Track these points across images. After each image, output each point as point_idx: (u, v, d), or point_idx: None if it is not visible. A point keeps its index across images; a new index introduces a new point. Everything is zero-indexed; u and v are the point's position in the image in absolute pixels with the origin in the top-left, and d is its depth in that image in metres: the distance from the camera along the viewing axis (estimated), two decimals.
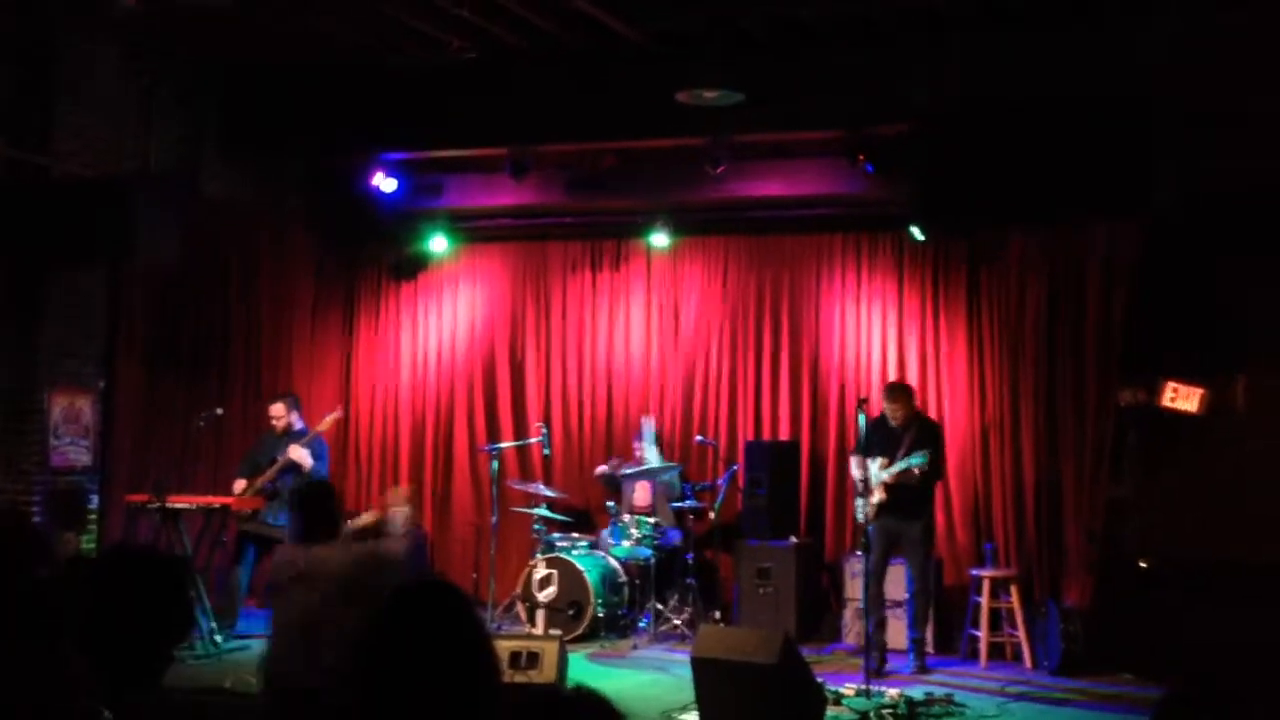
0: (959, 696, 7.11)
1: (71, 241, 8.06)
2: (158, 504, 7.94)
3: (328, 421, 8.69)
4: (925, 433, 7.96)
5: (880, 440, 7.85)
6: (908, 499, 7.81)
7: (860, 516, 7.98)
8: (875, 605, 7.85)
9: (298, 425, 8.70)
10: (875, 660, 7.54)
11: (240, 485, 8.50)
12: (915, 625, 7.93)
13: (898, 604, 8.23)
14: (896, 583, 8.17)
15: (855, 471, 7.95)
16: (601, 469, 9.66)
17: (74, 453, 8.69)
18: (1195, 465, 7.83)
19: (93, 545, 8.72)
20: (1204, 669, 7.12)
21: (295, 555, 4.93)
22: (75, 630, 2.19)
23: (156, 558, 2.53)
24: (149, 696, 2.25)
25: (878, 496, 7.81)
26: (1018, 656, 8.21)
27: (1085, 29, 7.54)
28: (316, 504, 5.13)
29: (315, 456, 8.54)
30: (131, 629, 2.29)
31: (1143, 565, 8.00)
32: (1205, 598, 7.34)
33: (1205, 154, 7.52)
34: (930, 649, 8.36)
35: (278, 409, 8.76)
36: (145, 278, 9.02)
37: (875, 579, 7.86)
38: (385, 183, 9.42)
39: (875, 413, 8.07)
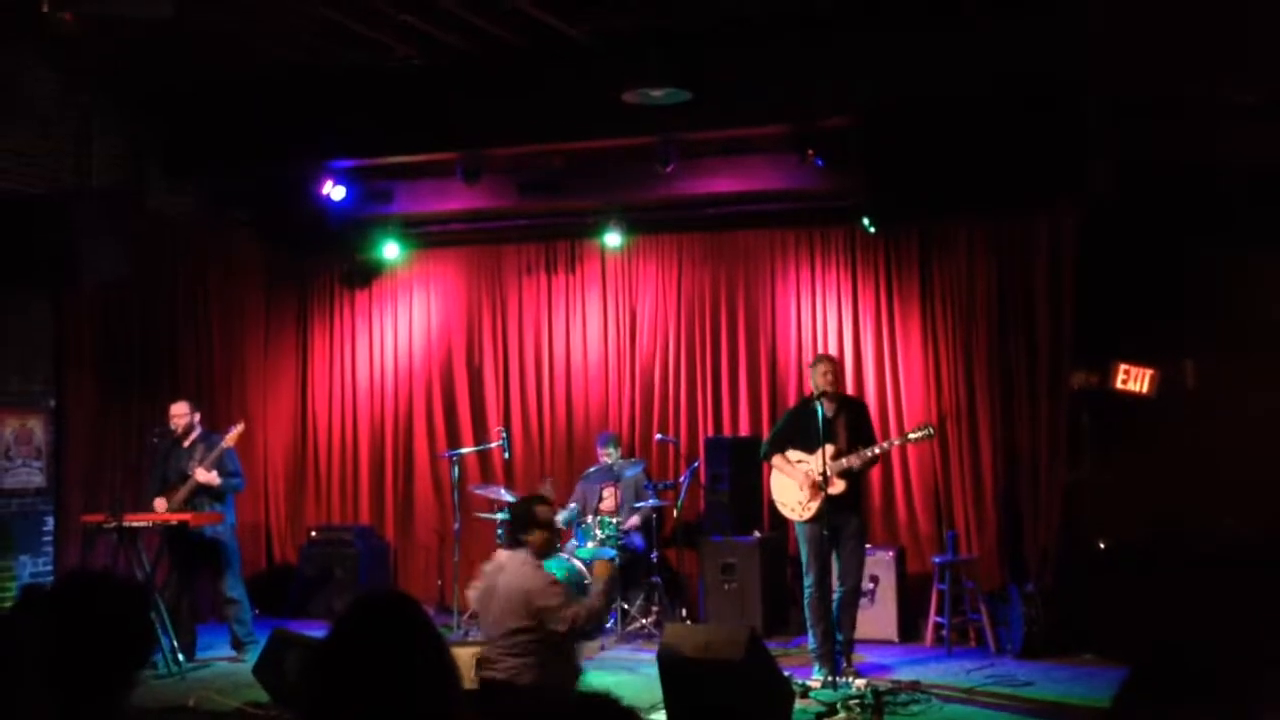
0: (925, 683, 7.17)
1: (13, 260, 7.93)
2: (114, 524, 7.80)
3: (233, 435, 8.33)
4: (862, 414, 7.63)
5: (815, 428, 7.19)
6: (851, 490, 7.30)
7: (806, 515, 7.30)
8: (824, 614, 7.21)
9: (199, 428, 8.42)
10: (841, 663, 7.19)
11: (161, 504, 8.16)
12: (845, 627, 7.31)
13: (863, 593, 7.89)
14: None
15: (814, 465, 7.20)
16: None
17: (27, 474, 8.56)
18: (1148, 446, 7.94)
19: (49, 569, 8.61)
20: (1164, 646, 7.22)
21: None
22: (36, 662, 2.14)
23: (114, 581, 2.47)
24: None
25: (839, 487, 7.19)
26: (982, 641, 8.29)
27: (1030, 19, 7.55)
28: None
29: (227, 473, 8.27)
30: (92, 656, 2.24)
31: (1101, 546, 8.11)
32: (1162, 576, 7.45)
33: (1140, 140, 7.62)
34: (895, 637, 8.43)
35: (181, 409, 8.42)
36: (93, 295, 8.88)
37: (823, 585, 7.22)
38: (334, 191, 9.37)
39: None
